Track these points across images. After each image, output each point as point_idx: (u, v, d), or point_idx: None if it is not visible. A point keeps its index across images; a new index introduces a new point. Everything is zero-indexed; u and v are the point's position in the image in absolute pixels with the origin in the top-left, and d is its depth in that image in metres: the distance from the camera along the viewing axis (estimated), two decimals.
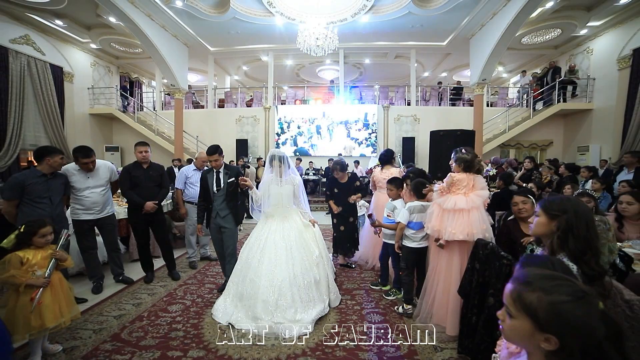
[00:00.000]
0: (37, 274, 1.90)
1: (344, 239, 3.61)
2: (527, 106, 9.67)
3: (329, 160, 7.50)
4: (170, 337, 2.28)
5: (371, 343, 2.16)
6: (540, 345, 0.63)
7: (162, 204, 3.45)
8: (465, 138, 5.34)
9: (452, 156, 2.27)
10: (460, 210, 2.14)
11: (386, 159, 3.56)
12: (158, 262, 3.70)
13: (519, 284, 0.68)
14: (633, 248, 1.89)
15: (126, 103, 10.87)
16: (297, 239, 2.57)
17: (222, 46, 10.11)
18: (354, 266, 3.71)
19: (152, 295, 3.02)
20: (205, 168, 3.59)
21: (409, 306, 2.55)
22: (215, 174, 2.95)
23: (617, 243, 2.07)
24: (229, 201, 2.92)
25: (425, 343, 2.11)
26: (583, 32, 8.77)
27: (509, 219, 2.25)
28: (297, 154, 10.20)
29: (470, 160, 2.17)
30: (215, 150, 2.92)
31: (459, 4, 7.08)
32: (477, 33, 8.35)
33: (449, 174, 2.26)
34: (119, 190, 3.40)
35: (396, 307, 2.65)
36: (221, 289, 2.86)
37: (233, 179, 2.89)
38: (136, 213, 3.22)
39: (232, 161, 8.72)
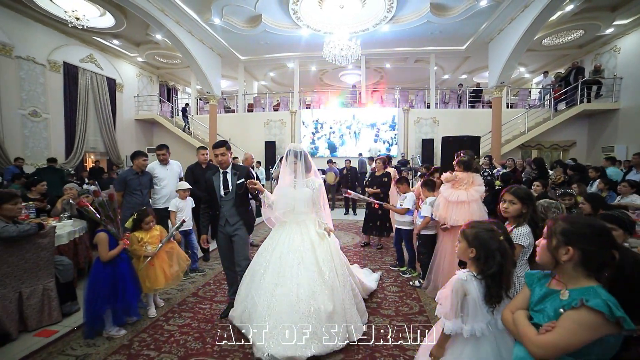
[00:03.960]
0: (148, 249, 2.54)
1: (367, 219, 4.46)
2: (549, 107, 9.70)
3: (345, 160, 8.17)
4: None
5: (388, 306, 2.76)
6: (469, 256, 1.27)
7: None
8: (472, 142, 5.93)
9: (455, 158, 2.85)
10: (462, 202, 2.70)
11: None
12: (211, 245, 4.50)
13: (466, 226, 1.32)
14: None
15: (185, 125, 11.60)
16: (309, 253, 2.14)
17: (251, 55, 11.00)
18: (375, 247, 4.51)
19: (213, 269, 3.79)
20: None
21: (424, 281, 3.11)
22: (221, 175, 2.55)
23: None
24: (238, 206, 2.53)
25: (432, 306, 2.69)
26: (609, 31, 8.72)
27: None
28: (329, 149, 10.90)
29: (468, 161, 2.73)
30: (222, 143, 2.55)
31: (476, 11, 7.42)
32: (495, 37, 8.60)
33: (454, 172, 2.82)
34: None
35: (410, 282, 3.23)
36: (224, 314, 2.54)
37: (243, 180, 2.50)
38: (197, 204, 4.01)
39: (259, 162, 9.49)
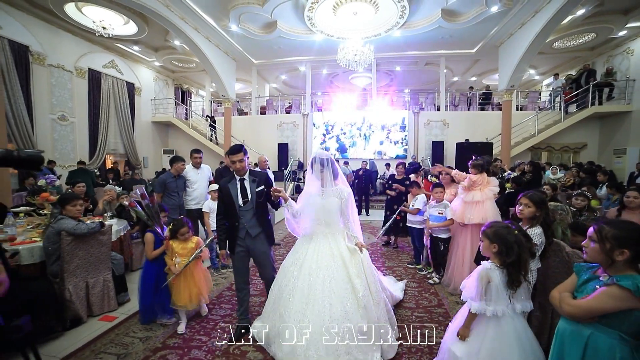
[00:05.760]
0: (176, 261, 2.50)
1: (386, 221, 4.63)
2: (559, 109, 9.77)
3: (362, 162, 8.47)
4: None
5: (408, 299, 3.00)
6: (492, 251, 1.51)
7: None
8: (485, 148, 6.15)
9: (469, 163, 3.10)
10: (477, 202, 2.94)
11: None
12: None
13: (485, 227, 1.58)
14: None
15: (212, 133, 11.81)
16: (340, 269, 2.04)
17: (264, 59, 11.30)
18: (392, 246, 4.80)
19: None
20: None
21: (442, 277, 3.34)
22: (238, 182, 2.34)
23: None
24: (259, 216, 2.35)
25: (450, 300, 2.93)
26: (622, 33, 8.76)
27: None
28: (339, 151, 11.12)
29: (482, 164, 3.00)
30: (239, 149, 2.33)
31: (487, 17, 7.57)
32: (505, 41, 8.72)
33: (468, 176, 3.06)
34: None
35: (430, 280, 3.44)
36: (237, 337, 2.33)
37: (262, 187, 2.34)
38: None
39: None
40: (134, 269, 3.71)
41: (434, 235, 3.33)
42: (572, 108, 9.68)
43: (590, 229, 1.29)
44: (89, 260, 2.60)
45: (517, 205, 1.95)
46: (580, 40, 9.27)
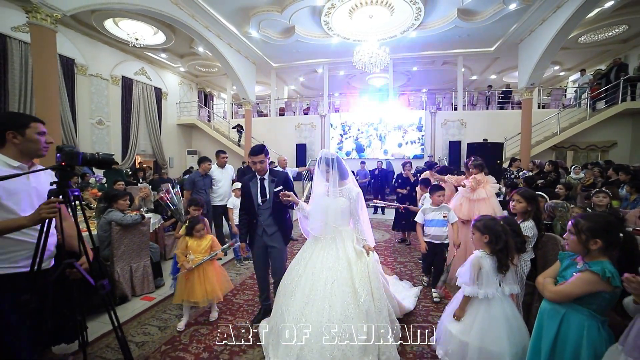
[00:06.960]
0: (189, 257, 2.51)
1: (400, 218, 4.85)
2: (586, 106, 9.38)
3: (377, 162, 8.63)
4: None
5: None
6: (483, 242, 1.69)
7: None
8: (495, 148, 6.16)
9: (468, 162, 3.26)
10: (483, 199, 3.08)
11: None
12: None
13: (475, 221, 1.76)
14: None
15: (239, 138, 12.22)
16: (344, 272, 1.97)
17: (283, 62, 11.68)
18: (408, 243, 4.97)
19: None
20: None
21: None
22: (259, 181, 2.45)
23: None
24: (276, 215, 2.43)
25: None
26: None
27: None
28: (356, 151, 11.31)
29: (482, 163, 3.20)
30: (260, 150, 2.42)
31: (505, 14, 7.46)
32: (525, 38, 8.53)
33: (472, 176, 3.19)
34: None
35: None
36: (256, 320, 2.51)
37: (281, 187, 2.39)
38: None
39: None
40: (167, 258, 4.13)
41: (438, 242, 2.98)
42: (601, 105, 9.25)
43: (569, 223, 1.45)
44: (132, 247, 3.00)
45: (510, 201, 2.11)
46: (610, 33, 8.86)
